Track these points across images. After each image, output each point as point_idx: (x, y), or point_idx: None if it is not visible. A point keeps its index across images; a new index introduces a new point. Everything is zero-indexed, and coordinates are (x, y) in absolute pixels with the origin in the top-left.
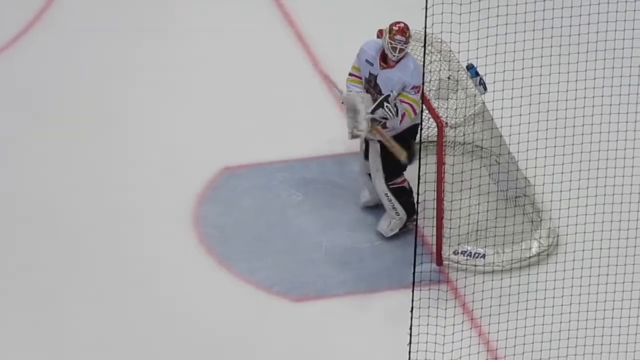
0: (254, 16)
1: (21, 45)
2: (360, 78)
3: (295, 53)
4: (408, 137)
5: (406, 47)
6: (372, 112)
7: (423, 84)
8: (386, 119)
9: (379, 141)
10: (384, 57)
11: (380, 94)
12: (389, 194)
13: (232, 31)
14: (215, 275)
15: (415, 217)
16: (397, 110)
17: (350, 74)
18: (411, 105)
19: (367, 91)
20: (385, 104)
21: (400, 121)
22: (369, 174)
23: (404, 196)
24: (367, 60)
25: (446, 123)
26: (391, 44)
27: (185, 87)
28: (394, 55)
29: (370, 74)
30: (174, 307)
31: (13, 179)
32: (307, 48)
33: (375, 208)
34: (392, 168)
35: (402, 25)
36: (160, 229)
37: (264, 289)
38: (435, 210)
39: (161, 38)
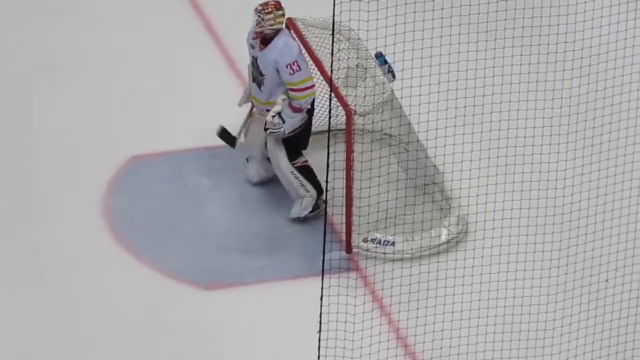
0: (162, 3)
1: None
2: None
3: (204, 42)
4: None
5: (263, 21)
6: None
7: (332, 70)
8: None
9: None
10: (262, 40)
11: (262, 75)
12: (295, 172)
13: (139, 18)
14: (125, 263)
15: (324, 198)
16: (282, 119)
17: None
18: (296, 90)
19: (252, 75)
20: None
21: (295, 110)
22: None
23: (310, 174)
24: (251, 45)
25: (355, 111)
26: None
27: (91, 74)
28: (255, 28)
29: (253, 57)
30: (81, 297)
31: None
32: (215, 37)
33: (286, 196)
34: (294, 147)
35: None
36: (68, 218)
37: (174, 277)
38: (344, 198)
39: (69, 23)
